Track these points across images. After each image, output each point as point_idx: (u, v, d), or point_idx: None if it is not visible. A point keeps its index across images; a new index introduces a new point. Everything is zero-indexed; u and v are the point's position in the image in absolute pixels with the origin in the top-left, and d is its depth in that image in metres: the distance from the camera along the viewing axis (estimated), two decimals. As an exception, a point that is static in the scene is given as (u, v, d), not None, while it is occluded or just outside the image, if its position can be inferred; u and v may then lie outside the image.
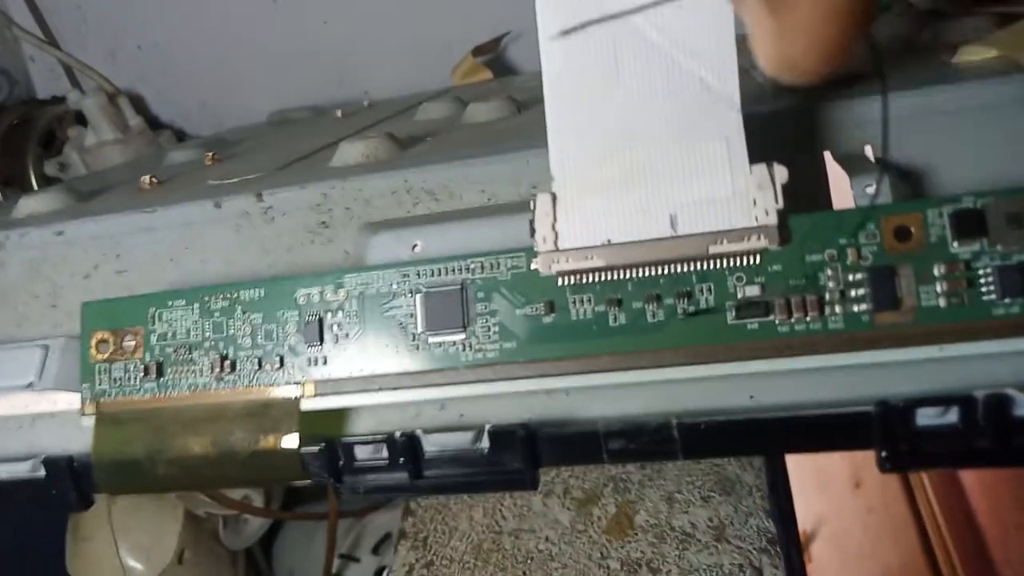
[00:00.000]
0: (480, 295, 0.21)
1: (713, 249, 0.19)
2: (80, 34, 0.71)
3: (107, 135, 0.65)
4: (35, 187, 0.66)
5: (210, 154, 0.39)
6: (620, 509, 0.42)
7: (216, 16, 0.69)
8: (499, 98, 0.35)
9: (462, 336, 0.21)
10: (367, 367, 0.22)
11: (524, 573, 0.44)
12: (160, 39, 0.71)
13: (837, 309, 0.19)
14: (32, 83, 0.73)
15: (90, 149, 0.65)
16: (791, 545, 0.41)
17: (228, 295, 0.23)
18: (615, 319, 0.20)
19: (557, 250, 0.20)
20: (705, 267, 0.19)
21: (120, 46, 0.72)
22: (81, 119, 0.68)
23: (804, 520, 0.53)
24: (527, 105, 0.36)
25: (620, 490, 0.44)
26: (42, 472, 0.24)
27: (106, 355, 0.24)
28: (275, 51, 0.69)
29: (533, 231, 0.20)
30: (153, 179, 0.34)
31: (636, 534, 0.42)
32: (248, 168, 0.35)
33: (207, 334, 0.23)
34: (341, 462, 0.22)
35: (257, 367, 0.22)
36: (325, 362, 0.22)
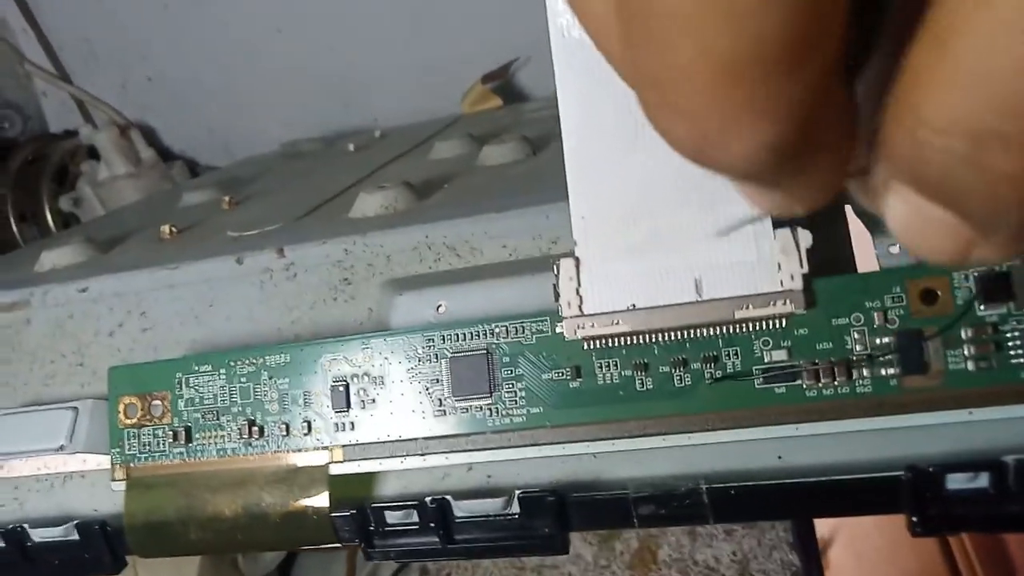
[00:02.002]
0: (506, 360, 0.21)
1: (739, 314, 0.19)
2: (90, 68, 0.72)
3: (119, 169, 0.66)
4: (50, 223, 0.66)
5: (227, 198, 0.39)
6: (643, 544, 0.42)
7: (223, 46, 0.69)
8: (513, 138, 0.36)
9: (488, 401, 0.21)
10: (394, 432, 0.22)
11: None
12: (169, 70, 0.71)
13: (865, 373, 0.19)
14: (45, 118, 0.74)
15: (103, 183, 0.66)
16: None
17: (254, 360, 0.23)
18: (642, 384, 0.20)
19: (582, 315, 0.20)
20: (731, 332, 0.20)
21: (130, 78, 0.72)
22: (94, 153, 0.68)
23: (822, 525, 0.53)
24: (541, 144, 0.36)
25: (641, 522, 0.44)
26: (76, 536, 0.24)
27: (134, 420, 0.24)
28: (282, 78, 0.70)
29: (557, 295, 0.20)
30: (173, 228, 0.34)
31: (659, 569, 0.42)
32: (266, 214, 0.35)
33: (234, 399, 0.23)
34: (371, 527, 0.22)
35: (285, 432, 0.23)
36: (352, 427, 0.22)
